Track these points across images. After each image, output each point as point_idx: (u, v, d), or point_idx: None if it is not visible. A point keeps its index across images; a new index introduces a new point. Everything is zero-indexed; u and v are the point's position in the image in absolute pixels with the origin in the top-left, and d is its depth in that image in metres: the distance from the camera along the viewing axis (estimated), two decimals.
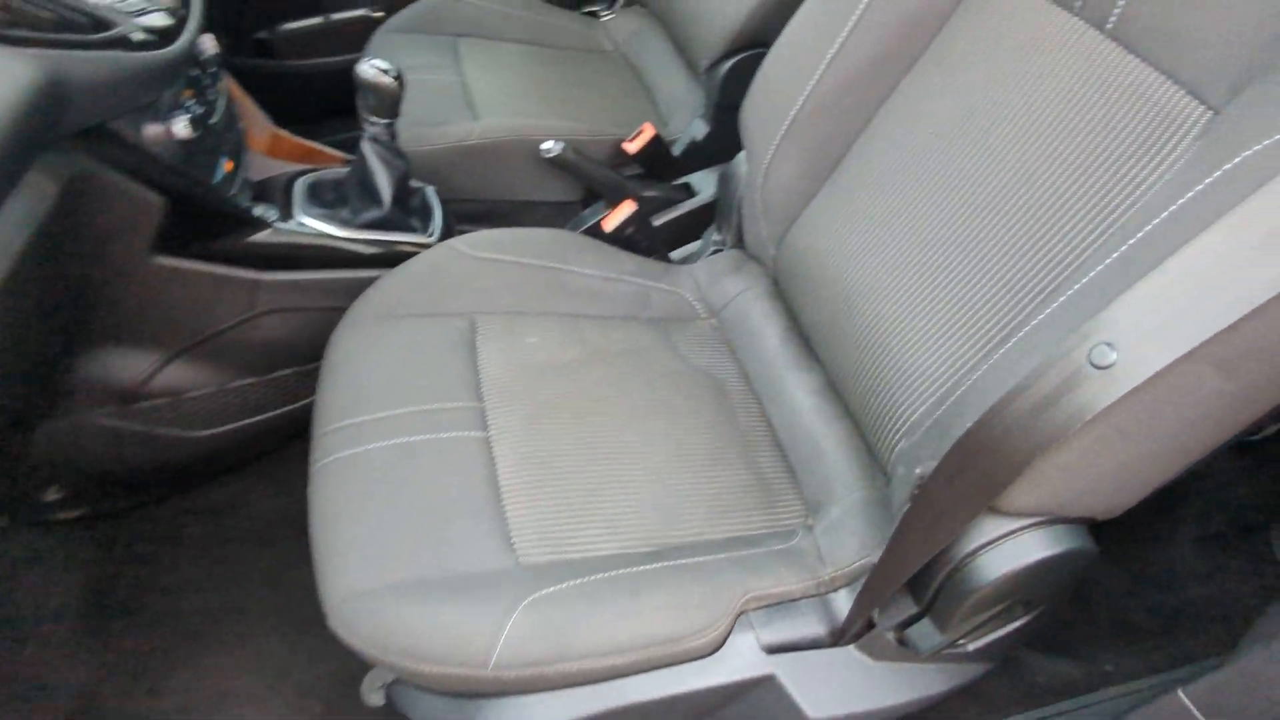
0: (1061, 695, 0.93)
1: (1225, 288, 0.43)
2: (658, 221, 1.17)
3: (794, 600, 0.68)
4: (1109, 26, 0.64)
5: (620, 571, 0.65)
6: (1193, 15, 0.58)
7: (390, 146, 0.98)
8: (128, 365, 0.92)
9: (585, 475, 0.74)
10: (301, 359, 1.03)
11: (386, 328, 0.84)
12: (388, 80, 0.92)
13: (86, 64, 0.68)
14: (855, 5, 0.78)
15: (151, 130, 0.80)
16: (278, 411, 1.07)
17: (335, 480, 0.71)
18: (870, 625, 0.67)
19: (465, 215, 1.19)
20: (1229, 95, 0.55)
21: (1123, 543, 1.10)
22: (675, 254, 1.11)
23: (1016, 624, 0.67)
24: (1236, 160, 0.49)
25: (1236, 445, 0.84)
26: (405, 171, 1.00)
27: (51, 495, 0.98)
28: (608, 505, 0.72)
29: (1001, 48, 0.72)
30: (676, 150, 1.27)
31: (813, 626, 0.68)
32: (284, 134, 1.13)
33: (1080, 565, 0.58)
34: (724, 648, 0.65)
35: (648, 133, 1.21)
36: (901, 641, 0.66)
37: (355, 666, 0.71)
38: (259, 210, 0.95)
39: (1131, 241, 0.54)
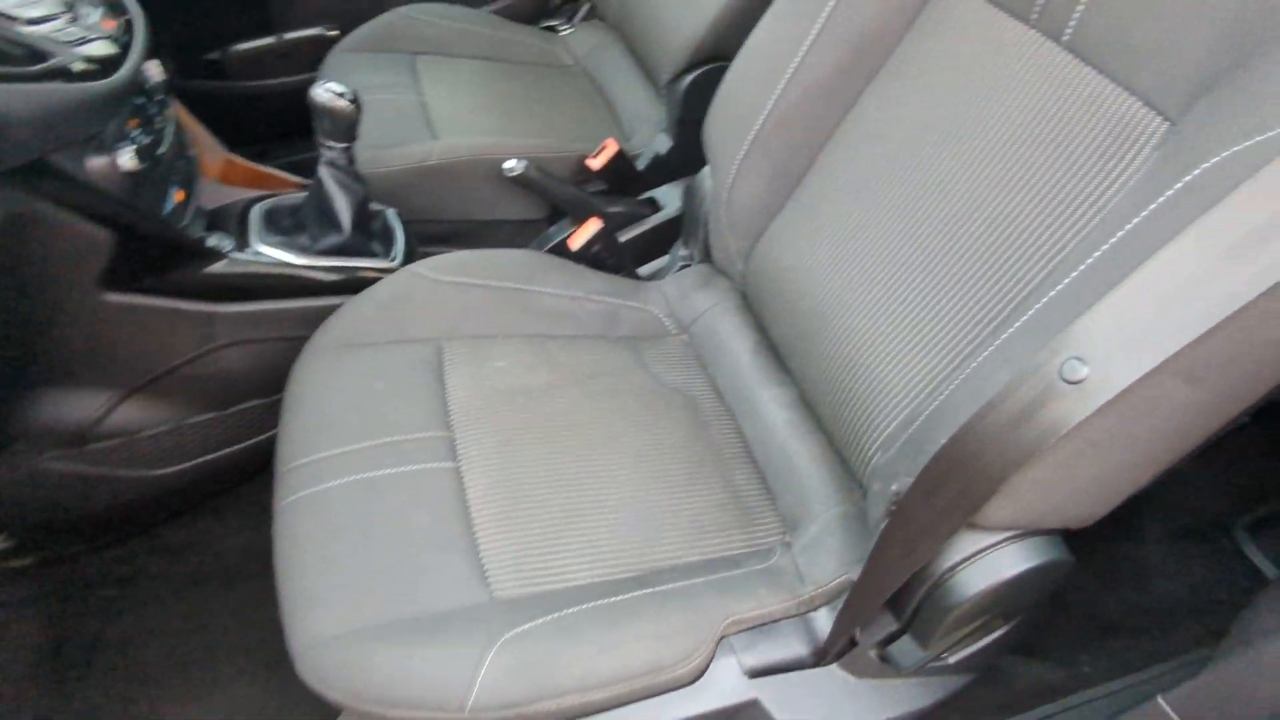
0: (1042, 699, 0.93)
1: (1192, 301, 0.43)
2: (624, 238, 1.17)
3: (775, 621, 0.68)
4: (1065, 38, 0.65)
5: (598, 602, 0.64)
6: (1146, 27, 0.59)
7: (348, 170, 0.95)
8: (78, 406, 0.88)
9: (559, 502, 0.72)
10: (264, 391, 1.00)
11: (349, 357, 0.82)
12: (343, 104, 0.90)
13: (23, 97, 0.66)
14: (815, 19, 0.78)
15: (95, 163, 0.77)
16: (242, 445, 1.03)
17: (299, 520, 0.69)
18: (852, 644, 0.67)
19: (427, 236, 1.17)
20: (1184, 106, 0.56)
21: (1091, 540, 1.11)
22: (643, 270, 1.10)
23: (996, 634, 0.67)
24: (1196, 172, 0.50)
25: None
26: (365, 195, 0.98)
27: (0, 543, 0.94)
28: (584, 532, 0.71)
29: (959, 60, 0.73)
30: (640, 165, 1.27)
31: (794, 647, 0.67)
32: (237, 159, 1.10)
33: (1058, 575, 0.59)
34: (706, 675, 0.64)
35: (611, 148, 1.20)
36: (883, 658, 0.66)
37: (332, 708, 0.68)
38: (213, 240, 0.92)
39: (1097, 254, 0.55)
